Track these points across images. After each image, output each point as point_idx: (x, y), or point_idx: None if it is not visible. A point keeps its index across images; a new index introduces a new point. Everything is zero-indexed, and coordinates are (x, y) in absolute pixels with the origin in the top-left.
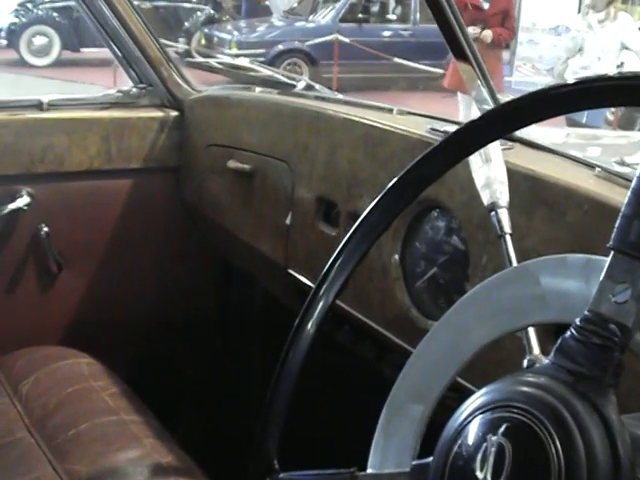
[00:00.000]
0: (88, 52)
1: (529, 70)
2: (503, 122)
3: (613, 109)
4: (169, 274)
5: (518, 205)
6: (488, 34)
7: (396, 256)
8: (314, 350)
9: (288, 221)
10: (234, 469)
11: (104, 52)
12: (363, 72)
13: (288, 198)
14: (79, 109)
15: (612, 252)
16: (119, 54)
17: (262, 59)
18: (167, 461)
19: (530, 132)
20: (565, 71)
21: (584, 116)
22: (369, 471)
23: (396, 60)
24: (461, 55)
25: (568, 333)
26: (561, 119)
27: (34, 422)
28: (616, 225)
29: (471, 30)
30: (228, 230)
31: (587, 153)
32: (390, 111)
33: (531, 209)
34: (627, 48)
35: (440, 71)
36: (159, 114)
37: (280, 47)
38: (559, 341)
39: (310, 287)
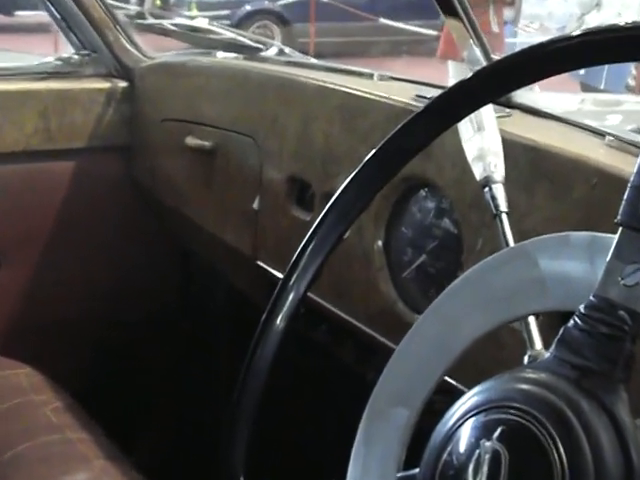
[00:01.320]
0: (23, 15)
1: (537, 29)
2: (497, 82)
3: (635, 72)
4: (121, 268)
5: (517, 180)
6: None
7: (379, 242)
8: (287, 350)
9: (256, 205)
10: None
11: (42, 15)
12: (344, 35)
13: (255, 179)
14: (11, 80)
15: (620, 228)
16: (57, 16)
17: (227, 22)
18: None
19: (535, 98)
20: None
21: (602, 81)
22: None
23: (382, 21)
24: (450, 11)
25: (571, 322)
26: (575, 85)
27: None
28: (624, 197)
29: None
30: (187, 217)
31: (606, 122)
32: (370, 77)
33: (532, 184)
34: None
35: (433, 33)
36: (105, 85)
37: (247, 7)
38: (561, 331)
39: None
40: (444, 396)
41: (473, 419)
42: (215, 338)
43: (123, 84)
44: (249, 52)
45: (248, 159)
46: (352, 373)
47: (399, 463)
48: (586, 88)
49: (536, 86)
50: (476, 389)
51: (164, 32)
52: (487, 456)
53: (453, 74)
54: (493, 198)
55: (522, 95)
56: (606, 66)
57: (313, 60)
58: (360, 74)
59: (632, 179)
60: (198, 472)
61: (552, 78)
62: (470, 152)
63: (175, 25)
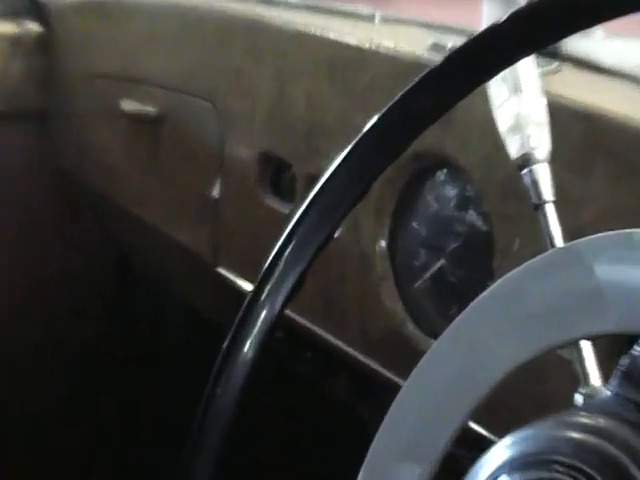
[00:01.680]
0: None
1: None
2: (540, 27)
3: None
4: (36, 276)
5: (566, 158)
6: None
7: (382, 243)
8: (260, 387)
9: (216, 193)
10: None
11: None
12: None
13: (216, 157)
14: None
15: None
16: None
17: None
18: None
19: (594, 48)
20: None
21: None
22: None
23: None
24: None
25: (637, 349)
26: None
27: None
28: None
29: None
30: (123, 207)
31: None
32: (371, 19)
33: (587, 164)
34: None
35: None
36: (11, 29)
37: None
38: (624, 362)
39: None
40: (468, 448)
41: (507, 478)
42: (162, 380)
43: (36, 29)
44: None
45: (205, 130)
46: (347, 415)
47: None
48: None
49: (599, 30)
50: (509, 438)
51: None
52: None
53: (488, 16)
54: (534, 183)
55: (576, 43)
56: None
57: None
58: (356, 16)
59: None
60: None
61: (620, 20)
62: (504, 121)
63: None
